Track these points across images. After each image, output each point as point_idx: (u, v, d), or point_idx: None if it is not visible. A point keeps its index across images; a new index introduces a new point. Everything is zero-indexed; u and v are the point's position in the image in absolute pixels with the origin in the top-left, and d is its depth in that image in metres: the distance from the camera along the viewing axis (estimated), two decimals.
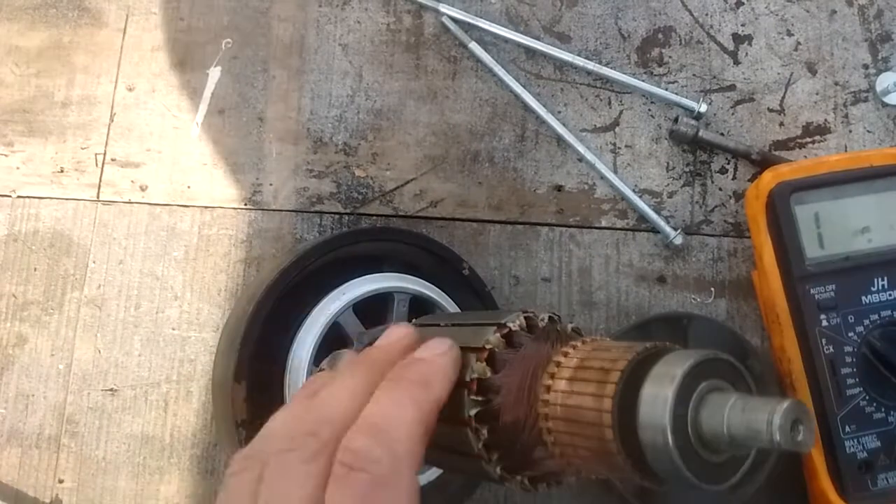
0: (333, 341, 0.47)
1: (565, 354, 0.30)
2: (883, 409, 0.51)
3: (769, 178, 0.53)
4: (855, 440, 0.51)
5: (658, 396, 0.26)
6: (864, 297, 0.52)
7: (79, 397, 0.55)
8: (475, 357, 0.32)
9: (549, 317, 0.34)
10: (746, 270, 0.60)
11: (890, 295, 0.52)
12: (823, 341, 0.51)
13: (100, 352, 0.56)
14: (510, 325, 0.33)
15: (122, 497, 0.54)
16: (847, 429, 0.51)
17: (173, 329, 0.56)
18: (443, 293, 0.50)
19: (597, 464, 0.28)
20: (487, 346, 0.32)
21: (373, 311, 0.48)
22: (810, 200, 0.53)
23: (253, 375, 0.45)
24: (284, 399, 0.46)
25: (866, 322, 0.52)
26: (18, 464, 0.54)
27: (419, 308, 0.49)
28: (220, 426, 0.51)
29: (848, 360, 0.51)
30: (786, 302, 0.52)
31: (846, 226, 0.53)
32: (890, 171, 0.54)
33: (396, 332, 0.34)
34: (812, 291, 0.52)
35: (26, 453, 0.54)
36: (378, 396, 0.30)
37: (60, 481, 0.54)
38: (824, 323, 0.51)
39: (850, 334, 0.51)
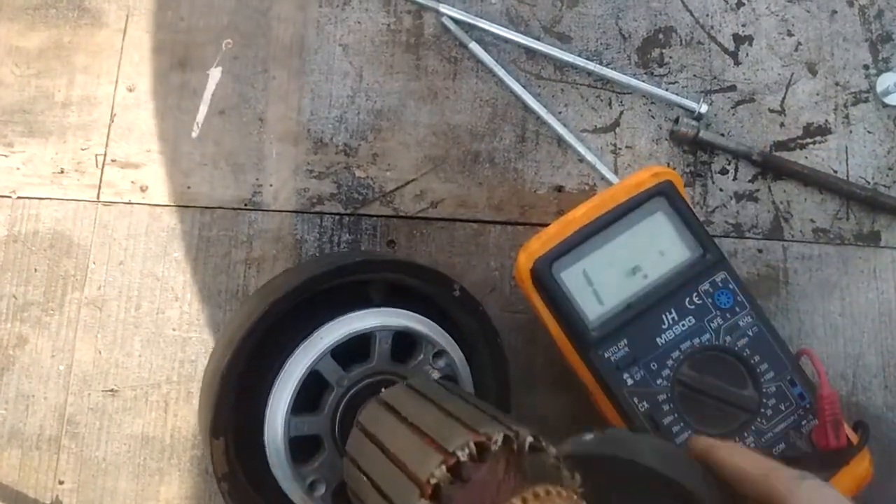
0: (313, 385, 0.45)
1: None
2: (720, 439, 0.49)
3: (524, 259, 0.50)
4: None
5: None
6: (658, 339, 0.49)
7: (79, 398, 0.55)
8: (419, 493, 0.30)
9: (505, 436, 0.31)
10: (747, 271, 0.59)
11: (683, 325, 0.49)
12: (636, 400, 0.48)
13: (100, 352, 0.56)
14: (459, 454, 0.30)
15: (122, 498, 0.54)
16: None
17: (174, 330, 0.56)
18: (430, 322, 0.48)
19: None
20: (432, 482, 0.30)
21: (354, 351, 0.46)
22: (573, 262, 0.49)
23: (232, 429, 0.45)
24: (265, 451, 0.45)
25: (670, 362, 0.49)
26: (19, 465, 0.54)
27: (403, 342, 0.47)
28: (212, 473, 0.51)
29: (666, 408, 0.48)
30: (588, 373, 0.49)
31: (618, 272, 0.50)
32: (637, 202, 0.50)
33: None
34: (606, 355, 0.48)
35: (27, 454, 0.54)
36: None
37: (61, 482, 0.54)
38: (629, 382, 0.48)
39: (659, 381, 0.49)
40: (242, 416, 0.45)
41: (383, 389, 0.43)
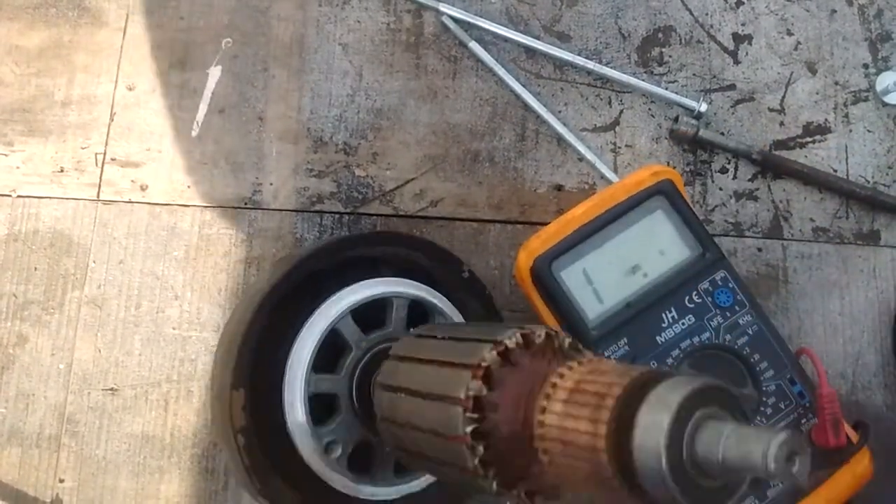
0: (332, 347, 0.46)
1: (561, 376, 0.30)
2: None
3: (524, 258, 0.50)
4: None
5: (654, 423, 0.25)
6: (659, 337, 0.49)
7: (79, 397, 0.55)
8: (471, 374, 0.32)
9: (547, 333, 0.33)
10: (747, 270, 0.60)
11: (683, 324, 0.49)
12: None
13: (100, 351, 0.56)
14: (506, 342, 0.32)
15: (122, 496, 0.54)
16: None
17: (174, 328, 0.56)
18: (442, 297, 0.50)
19: (592, 485, 0.28)
20: (483, 364, 0.32)
21: (371, 317, 0.47)
22: (573, 260, 0.49)
23: (251, 383, 0.45)
24: (283, 406, 0.45)
25: (670, 361, 0.49)
26: (19, 463, 0.54)
27: (418, 312, 0.49)
28: (219, 433, 0.51)
29: None
30: None
31: (617, 270, 0.50)
32: (637, 201, 0.50)
33: None
34: (606, 354, 0.48)
35: (27, 453, 0.54)
36: None
37: (61, 481, 0.54)
38: None
39: None
40: (262, 370, 0.46)
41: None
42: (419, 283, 0.49)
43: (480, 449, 0.31)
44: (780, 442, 0.24)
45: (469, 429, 0.31)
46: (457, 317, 0.50)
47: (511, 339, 0.32)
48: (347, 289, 0.47)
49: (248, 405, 0.45)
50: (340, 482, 0.45)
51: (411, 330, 0.43)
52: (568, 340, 0.33)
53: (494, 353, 0.32)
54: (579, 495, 0.31)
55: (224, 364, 0.46)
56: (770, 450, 0.24)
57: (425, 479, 0.47)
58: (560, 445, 0.29)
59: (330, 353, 0.46)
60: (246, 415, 0.44)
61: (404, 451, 0.38)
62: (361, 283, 0.48)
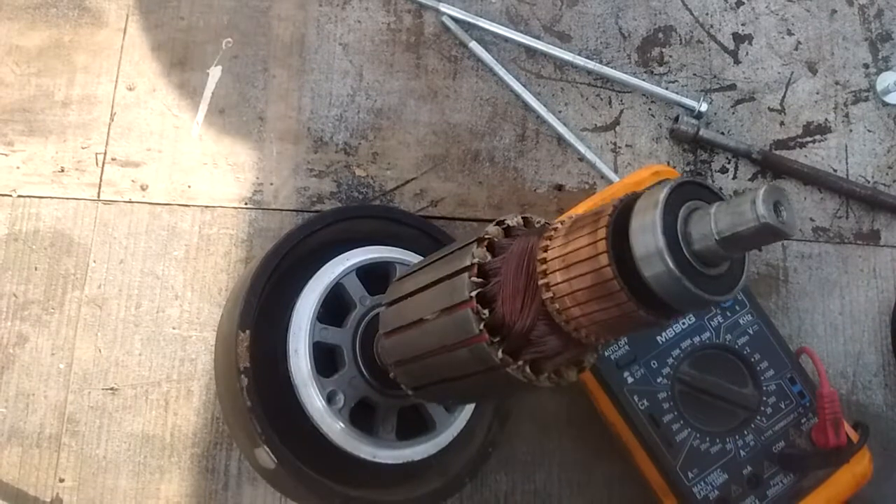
0: (338, 305, 0.47)
1: (557, 227, 0.32)
2: (718, 440, 0.49)
3: None
4: (702, 483, 0.48)
5: (646, 223, 0.27)
6: (659, 337, 0.49)
7: (79, 396, 0.55)
8: (476, 244, 0.34)
9: (524, 218, 0.35)
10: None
11: (683, 324, 0.50)
12: (636, 398, 0.49)
13: (100, 351, 0.56)
14: (508, 221, 0.35)
15: (122, 496, 0.54)
16: (690, 475, 0.48)
17: (174, 328, 0.56)
18: None
19: (600, 310, 0.29)
20: (487, 237, 0.34)
21: (375, 280, 0.48)
22: None
23: (257, 326, 0.46)
24: (287, 351, 0.46)
25: (670, 360, 0.49)
26: (19, 463, 0.54)
27: None
28: (221, 378, 0.50)
29: (666, 406, 0.49)
30: (588, 372, 0.50)
31: None
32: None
33: None
34: (607, 353, 0.49)
35: (27, 452, 0.54)
36: None
37: (61, 480, 0.54)
38: (630, 380, 0.49)
39: (659, 379, 0.49)
40: (269, 315, 0.47)
41: None
42: (422, 257, 0.50)
43: (486, 312, 0.32)
44: (765, 191, 0.25)
45: (474, 293, 0.33)
46: None
47: (513, 220, 0.35)
48: (353, 251, 0.49)
49: (253, 346, 0.45)
50: (341, 437, 0.45)
51: (393, 279, 0.44)
52: (543, 221, 0.35)
53: (498, 228, 0.34)
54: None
55: (232, 308, 0.47)
56: (757, 199, 0.25)
57: (424, 449, 0.47)
58: (563, 273, 0.30)
59: (335, 310, 0.47)
60: (251, 356, 0.45)
61: (422, 386, 0.39)
62: (366, 248, 0.49)
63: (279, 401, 0.45)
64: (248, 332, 0.45)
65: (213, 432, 0.55)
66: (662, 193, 0.26)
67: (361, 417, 0.46)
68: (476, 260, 0.33)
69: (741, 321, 0.50)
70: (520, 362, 0.32)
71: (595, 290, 0.28)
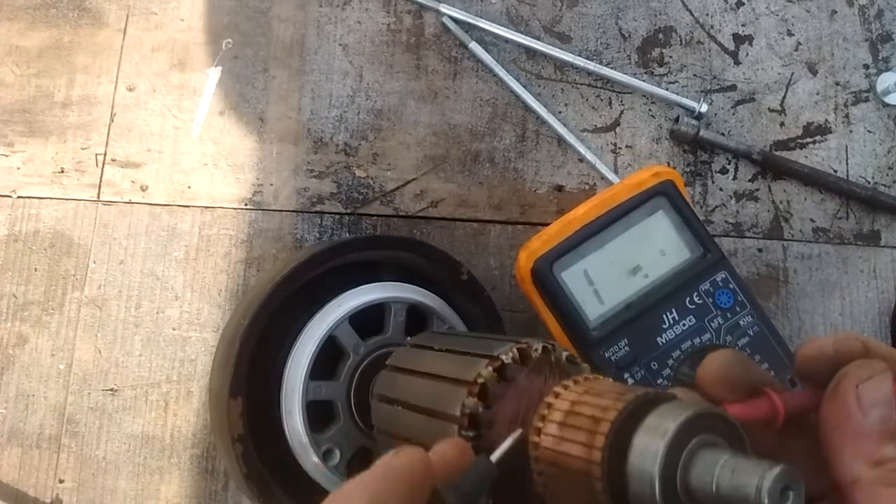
0: (329, 354, 0.46)
1: (557, 395, 0.30)
2: None
3: (525, 258, 0.49)
4: None
5: (649, 449, 0.25)
6: (659, 339, 0.49)
7: (79, 397, 0.55)
8: (467, 391, 0.32)
9: (543, 347, 0.33)
10: (747, 271, 0.60)
11: (684, 325, 0.49)
12: None
13: (100, 352, 0.56)
14: (503, 357, 0.32)
15: (122, 497, 0.54)
16: None
17: (174, 329, 0.56)
18: (441, 300, 0.50)
19: (572, 491, 0.28)
20: (479, 381, 0.32)
21: (369, 322, 0.47)
22: (574, 261, 0.49)
23: (249, 391, 0.45)
24: (281, 413, 0.45)
25: (671, 362, 0.49)
26: (19, 464, 0.54)
27: (417, 316, 0.48)
28: (217, 440, 0.51)
29: None
30: None
31: (618, 271, 0.49)
32: (638, 201, 0.50)
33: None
34: (607, 355, 0.48)
35: (27, 453, 0.54)
36: None
37: (61, 481, 0.54)
38: (630, 381, 0.48)
39: (660, 381, 0.48)
40: (260, 378, 0.46)
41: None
42: (417, 288, 0.49)
43: (471, 434, 0.31)
44: (775, 476, 0.24)
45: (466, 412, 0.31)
46: (456, 320, 0.50)
47: (507, 355, 0.32)
48: (345, 294, 0.47)
49: (246, 413, 0.45)
50: None
51: (408, 339, 0.43)
52: (565, 353, 0.33)
53: (490, 368, 0.32)
54: None
55: (221, 371, 0.46)
56: (764, 483, 0.23)
57: None
58: (554, 469, 0.28)
59: (328, 359, 0.46)
60: (243, 423, 0.44)
61: (388, 434, 0.38)
62: (359, 288, 0.47)
63: (276, 461, 0.45)
64: (239, 398, 0.44)
65: (212, 435, 0.55)
66: (676, 423, 0.25)
67: (359, 462, 0.46)
68: (467, 411, 0.32)
69: (741, 322, 0.50)
70: None
71: (584, 499, 0.27)
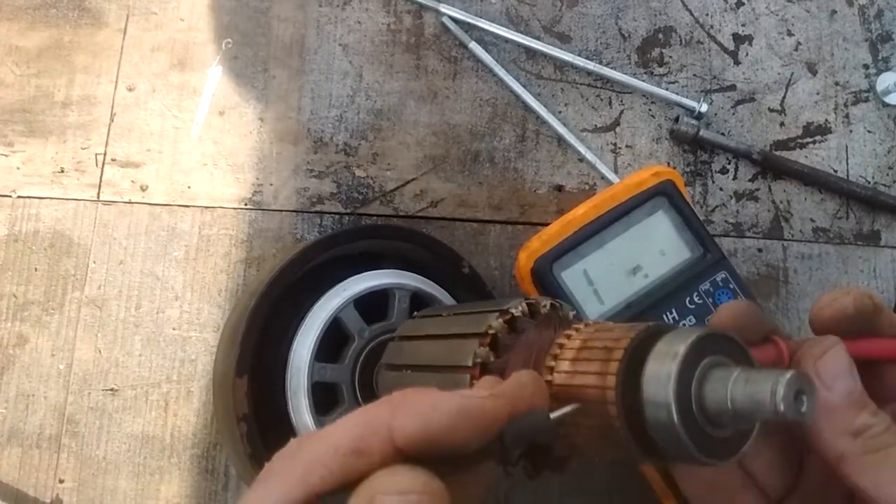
0: (335, 337, 0.47)
1: (568, 337, 0.30)
2: None
3: (525, 258, 0.49)
4: None
5: (661, 373, 0.25)
6: None
7: (79, 397, 0.55)
8: (478, 342, 0.33)
9: (551, 304, 0.34)
10: (747, 271, 0.60)
11: (684, 325, 0.48)
12: None
13: (100, 352, 0.56)
14: (513, 310, 0.33)
15: (122, 497, 0.54)
16: None
17: (174, 329, 0.56)
18: (443, 290, 0.50)
19: (600, 443, 0.28)
20: (490, 332, 0.33)
21: (374, 308, 0.48)
22: (574, 261, 0.49)
23: (254, 370, 0.45)
24: (286, 394, 0.45)
25: None
26: (19, 463, 0.54)
27: (420, 304, 0.49)
28: (221, 422, 0.51)
29: None
30: None
31: (618, 271, 0.49)
32: (638, 201, 0.50)
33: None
34: None
35: (27, 453, 0.54)
36: None
37: (61, 481, 0.54)
38: None
39: None
40: (265, 358, 0.46)
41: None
42: (421, 277, 0.50)
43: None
44: (788, 380, 0.24)
45: (478, 361, 0.32)
46: None
47: (517, 308, 0.33)
48: (350, 279, 0.48)
49: (251, 392, 0.45)
50: None
51: (415, 313, 0.44)
52: (573, 312, 0.34)
53: (501, 320, 0.33)
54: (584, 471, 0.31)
55: (228, 351, 0.47)
56: (778, 388, 0.24)
57: None
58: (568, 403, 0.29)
59: (333, 343, 0.47)
60: (249, 402, 0.44)
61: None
62: (364, 274, 0.48)
63: (280, 444, 0.45)
64: (245, 377, 0.45)
65: (212, 433, 0.55)
66: (685, 345, 0.26)
67: None
68: (479, 360, 0.32)
69: None
70: (520, 462, 0.31)
71: (600, 431, 0.27)
